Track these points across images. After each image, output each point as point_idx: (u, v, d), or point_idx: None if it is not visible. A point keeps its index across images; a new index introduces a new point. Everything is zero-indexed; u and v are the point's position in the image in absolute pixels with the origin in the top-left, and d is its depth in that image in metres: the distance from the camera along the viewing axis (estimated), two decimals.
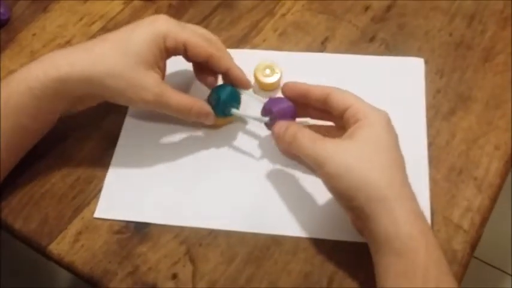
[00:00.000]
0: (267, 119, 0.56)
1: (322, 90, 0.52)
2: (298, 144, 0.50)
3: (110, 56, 0.53)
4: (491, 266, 1.35)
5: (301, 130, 0.51)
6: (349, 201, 0.47)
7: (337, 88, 0.52)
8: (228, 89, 0.57)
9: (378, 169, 0.46)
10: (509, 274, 1.35)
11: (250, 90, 0.59)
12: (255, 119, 0.58)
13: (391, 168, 0.47)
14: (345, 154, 0.47)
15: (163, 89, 0.54)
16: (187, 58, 0.58)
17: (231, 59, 0.58)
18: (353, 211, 0.48)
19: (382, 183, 0.45)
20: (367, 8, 0.70)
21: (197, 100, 0.56)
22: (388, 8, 0.70)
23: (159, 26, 0.55)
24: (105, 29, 0.71)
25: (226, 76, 0.58)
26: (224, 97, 0.57)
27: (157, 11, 0.72)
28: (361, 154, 0.47)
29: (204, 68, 0.59)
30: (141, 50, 0.54)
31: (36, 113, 0.54)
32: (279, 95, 0.56)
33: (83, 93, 0.55)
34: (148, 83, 0.54)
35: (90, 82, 0.53)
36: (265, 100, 0.57)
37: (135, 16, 0.72)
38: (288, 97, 0.55)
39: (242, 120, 0.61)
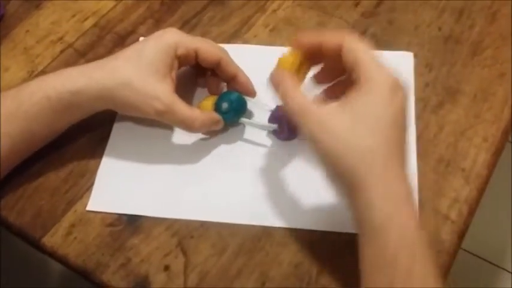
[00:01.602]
0: (275, 126, 0.57)
1: (336, 42, 0.47)
2: (287, 107, 0.48)
3: (123, 69, 0.55)
4: (491, 263, 1.36)
5: (291, 93, 0.48)
6: (333, 186, 0.47)
7: (350, 38, 0.47)
8: (237, 96, 0.58)
9: (358, 154, 0.43)
10: (508, 271, 1.36)
11: (256, 97, 0.60)
12: (263, 126, 0.59)
13: (372, 152, 0.43)
14: (327, 132, 0.44)
15: (173, 99, 0.55)
16: (197, 66, 0.59)
17: (239, 66, 0.59)
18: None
19: (361, 171, 0.43)
20: (357, 4, 0.71)
21: (203, 112, 0.57)
22: (378, 4, 0.71)
23: (169, 37, 0.56)
24: (97, 26, 0.72)
25: (232, 83, 0.59)
26: (235, 105, 0.57)
27: (149, 8, 0.73)
28: (344, 134, 0.44)
29: (207, 75, 0.61)
30: (153, 61, 0.55)
31: (49, 121, 0.56)
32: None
33: (96, 106, 0.57)
34: (161, 92, 0.55)
35: (105, 95, 0.55)
36: (270, 107, 0.58)
37: (127, 13, 0.73)
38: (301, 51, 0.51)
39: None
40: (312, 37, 0.50)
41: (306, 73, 0.52)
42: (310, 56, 0.51)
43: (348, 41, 0.47)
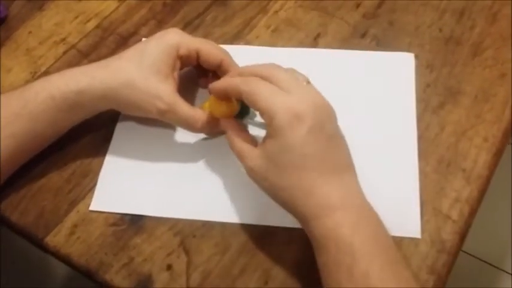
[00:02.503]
0: None
1: (237, 90, 0.50)
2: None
3: (126, 69, 0.55)
4: (491, 264, 1.36)
5: (231, 140, 0.52)
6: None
7: (244, 82, 0.50)
8: None
9: (281, 193, 0.48)
10: (508, 273, 1.35)
11: None
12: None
13: (290, 188, 0.47)
14: (256, 175, 0.49)
15: (176, 99, 0.55)
16: (199, 67, 0.60)
17: (240, 68, 0.59)
18: None
19: (290, 206, 0.48)
20: (358, 5, 0.71)
21: (206, 113, 0.57)
22: (379, 5, 0.71)
23: (171, 37, 0.57)
24: (100, 27, 0.72)
25: None
26: (239, 107, 0.57)
27: (151, 9, 0.73)
28: (268, 176, 0.48)
29: (209, 76, 0.61)
30: (156, 61, 0.55)
31: (53, 121, 0.56)
32: None
33: (100, 106, 0.57)
34: (163, 92, 0.55)
35: (108, 94, 0.55)
36: None
37: (129, 14, 0.73)
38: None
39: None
40: (218, 87, 0.53)
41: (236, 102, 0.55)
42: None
43: (243, 87, 0.49)
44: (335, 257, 0.45)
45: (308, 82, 0.50)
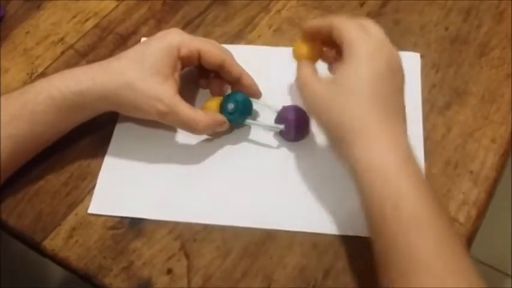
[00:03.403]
0: (282, 126, 0.57)
1: (328, 26, 0.52)
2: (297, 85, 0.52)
3: (127, 70, 0.54)
4: (491, 267, 1.34)
5: (300, 68, 0.53)
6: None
7: (336, 20, 0.51)
8: (243, 97, 0.57)
9: (348, 112, 0.47)
10: (509, 275, 1.34)
11: (261, 98, 0.59)
12: (270, 127, 0.58)
13: (362, 108, 0.47)
14: (323, 97, 0.49)
15: (176, 101, 0.55)
16: (200, 67, 0.59)
17: (242, 68, 0.58)
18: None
19: (349, 137, 0.47)
20: (362, 4, 0.70)
21: (208, 114, 0.56)
22: (384, 4, 0.70)
23: (172, 37, 0.56)
24: (98, 27, 0.71)
25: (236, 85, 0.59)
26: (241, 106, 0.57)
27: (151, 8, 0.72)
28: (335, 96, 0.48)
29: (210, 76, 0.60)
30: (156, 62, 0.54)
31: (53, 122, 0.55)
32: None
33: (100, 107, 0.56)
34: (163, 94, 0.54)
35: (108, 96, 0.54)
36: (277, 108, 0.58)
37: (128, 13, 0.72)
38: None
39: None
40: (312, 27, 0.54)
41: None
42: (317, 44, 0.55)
43: (335, 22, 0.51)
44: (380, 192, 0.44)
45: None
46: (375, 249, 0.45)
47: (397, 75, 0.49)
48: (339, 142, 0.48)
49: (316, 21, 0.54)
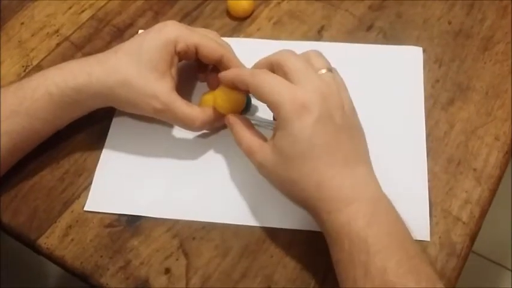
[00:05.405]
0: None
1: (245, 83, 0.50)
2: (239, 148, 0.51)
3: (123, 66, 0.54)
4: (491, 260, 1.35)
5: (240, 136, 0.51)
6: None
7: (252, 77, 0.49)
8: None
9: (301, 181, 0.46)
10: (508, 269, 1.34)
11: None
12: (269, 123, 0.57)
13: (299, 181, 0.46)
14: (267, 171, 0.48)
15: (173, 98, 0.54)
16: (198, 61, 0.58)
17: (241, 63, 0.57)
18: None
19: (300, 200, 0.48)
20: None
21: (204, 110, 0.55)
22: None
23: (169, 32, 0.55)
24: (95, 18, 0.69)
25: None
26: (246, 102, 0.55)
27: (148, 0, 0.71)
28: (282, 168, 0.47)
29: (208, 70, 0.59)
30: (153, 58, 0.53)
31: (51, 118, 0.54)
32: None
33: (96, 103, 0.56)
34: (159, 91, 0.53)
35: (104, 92, 0.54)
36: None
37: (125, 5, 0.70)
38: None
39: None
40: (227, 77, 0.52)
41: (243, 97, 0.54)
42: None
43: (250, 80, 0.49)
44: (349, 253, 0.43)
45: (329, 69, 0.49)
46: None
47: (335, 111, 0.46)
48: (303, 207, 0.48)
49: (231, 74, 0.52)
